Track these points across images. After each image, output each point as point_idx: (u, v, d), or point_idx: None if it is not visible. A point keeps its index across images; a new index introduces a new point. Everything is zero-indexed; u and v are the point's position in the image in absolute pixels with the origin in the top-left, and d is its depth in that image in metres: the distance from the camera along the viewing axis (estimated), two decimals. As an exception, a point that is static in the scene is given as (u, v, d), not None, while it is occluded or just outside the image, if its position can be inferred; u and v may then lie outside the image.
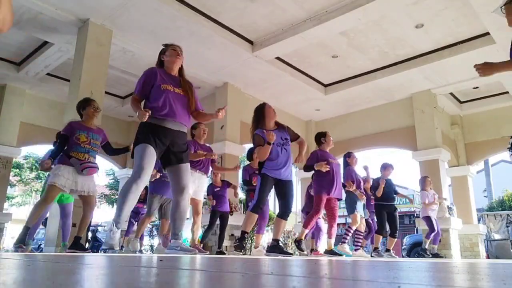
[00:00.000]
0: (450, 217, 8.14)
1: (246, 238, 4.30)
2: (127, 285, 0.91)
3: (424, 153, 8.75)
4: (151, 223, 11.32)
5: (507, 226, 10.48)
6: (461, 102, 10.17)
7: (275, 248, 4.20)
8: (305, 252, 5.49)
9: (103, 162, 19.94)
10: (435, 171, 8.50)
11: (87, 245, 7.61)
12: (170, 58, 3.35)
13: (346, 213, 6.41)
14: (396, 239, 6.88)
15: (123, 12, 6.14)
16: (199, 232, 5.56)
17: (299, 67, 8.38)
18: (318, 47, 7.47)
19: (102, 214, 22.06)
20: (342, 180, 5.62)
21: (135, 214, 8.79)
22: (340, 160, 6.30)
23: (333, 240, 5.51)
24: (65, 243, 4.95)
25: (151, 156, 3.03)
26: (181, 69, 3.45)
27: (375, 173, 7.04)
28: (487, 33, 6.72)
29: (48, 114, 9.25)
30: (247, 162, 6.70)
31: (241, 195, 9.18)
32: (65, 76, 8.55)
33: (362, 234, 6.38)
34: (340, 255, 5.52)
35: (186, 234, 12.89)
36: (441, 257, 7.35)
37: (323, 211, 5.43)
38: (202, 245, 6.49)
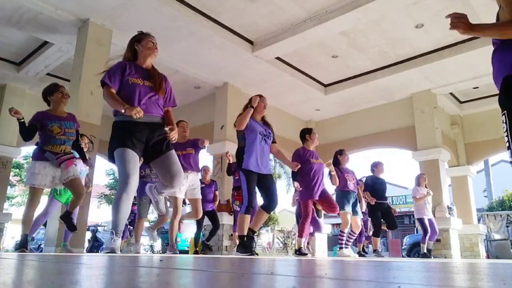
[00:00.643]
0: (450, 217, 8.14)
1: (247, 240, 4.09)
2: (127, 285, 0.91)
3: (424, 153, 8.75)
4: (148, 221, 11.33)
5: (507, 226, 10.49)
6: (461, 102, 10.17)
7: (249, 239, 4.04)
8: (309, 255, 5.46)
9: (103, 162, 19.88)
10: (435, 171, 8.50)
11: (86, 245, 7.63)
12: (147, 51, 3.19)
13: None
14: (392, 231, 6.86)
15: (123, 12, 6.14)
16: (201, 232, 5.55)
17: (299, 67, 8.38)
18: (318, 47, 7.47)
19: (102, 214, 22.07)
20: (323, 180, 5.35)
21: (132, 215, 8.79)
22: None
23: (303, 240, 5.30)
24: (65, 243, 4.93)
25: (133, 159, 2.91)
26: (152, 66, 3.31)
27: (366, 172, 7.02)
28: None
29: (48, 114, 9.24)
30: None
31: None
32: (65, 76, 8.54)
33: (355, 234, 6.31)
34: (305, 254, 5.30)
35: (187, 234, 12.89)
36: (431, 253, 7.35)
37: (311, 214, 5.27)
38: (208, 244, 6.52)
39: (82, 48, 6.26)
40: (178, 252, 3.38)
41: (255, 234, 4.26)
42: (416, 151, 8.90)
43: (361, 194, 6.64)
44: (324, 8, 6.27)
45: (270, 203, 4.10)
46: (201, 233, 7.10)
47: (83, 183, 4.58)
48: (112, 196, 20.38)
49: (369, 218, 6.86)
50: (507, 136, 2.19)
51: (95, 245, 10.92)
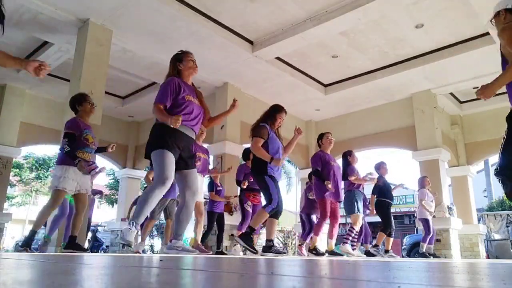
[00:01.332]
0: (450, 217, 8.14)
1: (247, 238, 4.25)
2: (127, 285, 0.91)
3: (424, 153, 8.75)
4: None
5: (507, 226, 10.49)
6: (461, 102, 10.17)
7: (270, 248, 4.20)
8: (324, 253, 5.57)
9: (103, 162, 19.96)
10: (435, 171, 8.50)
11: (86, 245, 7.63)
12: (188, 71, 3.37)
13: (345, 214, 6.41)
14: (392, 238, 6.87)
15: (123, 12, 6.14)
16: (201, 233, 5.57)
17: (299, 67, 8.38)
18: (318, 47, 7.47)
19: (102, 214, 22.08)
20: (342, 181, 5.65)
21: None
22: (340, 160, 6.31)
23: (334, 241, 5.54)
24: (65, 243, 4.94)
25: (173, 163, 3.10)
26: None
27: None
28: (487, 33, 6.72)
29: (48, 114, 9.26)
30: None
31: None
32: (65, 76, 8.54)
33: (355, 231, 6.35)
34: (341, 255, 5.53)
35: (187, 234, 12.89)
36: (438, 257, 7.37)
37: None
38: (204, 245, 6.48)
39: (82, 48, 6.26)
40: (209, 252, 3.55)
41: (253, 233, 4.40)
42: (416, 151, 8.90)
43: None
44: (324, 8, 6.27)
45: (279, 211, 4.26)
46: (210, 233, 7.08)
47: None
48: (112, 196, 20.39)
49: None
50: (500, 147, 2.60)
51: (95, 245, 10.93)
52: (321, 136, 5.64)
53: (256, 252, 4.18)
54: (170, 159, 3.07)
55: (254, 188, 6.08)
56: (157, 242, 14.12)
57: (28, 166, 23.21)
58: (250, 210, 6.28)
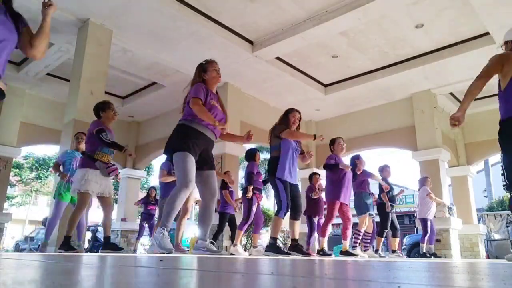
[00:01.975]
0: (450, 217, 8.14)
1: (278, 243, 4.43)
2: (127, 285, 0.91)
3: (424, 153, 8.75)
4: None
5: (507, 226, 10.48)
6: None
7: (295, 248, 4.35)
8: (331, 254, 5.61)
9: (103, 162, 19.94)
10: (435, 171, 8.50)
11: (86, 245, 7.63)
12: (213, 80, 3.50)
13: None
14: (398, 239, 6.91)
15: (123, 12, 6.14)
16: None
17: (299, 67, 8.38)
18: (318, 47, 7.47)
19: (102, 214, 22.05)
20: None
21: (148, 216, 8.89)
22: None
23: (348, 242, 5.60)
24: (79, 243, 4.98)
25: (194, 166, 3.18)
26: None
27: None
28: (487, 33, 6.72)
29: (48, 114, 9.26)
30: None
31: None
32: (65, 76, 8.54)
33: (369, 234, 6.44)
34: (355, 255, 5.57)
35: (187, 234, 12.88)
36: (439, 257, 7.37)
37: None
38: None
39: (82, 48, 6.26)
40: (186, 252, 3.50)
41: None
42: (416, 151, 8.90)
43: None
44: (324, 8, 6.27)
45: (297, 212, 4.39)
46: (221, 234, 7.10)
47: None
48: (113, 196, 20.39)
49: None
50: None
51: (95, 245, 10.92)
52: (332, 142, 5.68)
53: (290, 254, 4.32)
54: (192, 162, 3.16)
55: (260, 189, 6.26)
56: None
57: (28, 166, 23.22)
58: (255, 210, 6.30)
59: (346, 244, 5.61)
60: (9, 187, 12.29)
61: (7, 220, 8.61)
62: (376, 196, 6.85)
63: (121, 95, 9.95)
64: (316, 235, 7.04)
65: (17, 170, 22.26)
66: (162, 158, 5.39)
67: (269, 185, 4.84)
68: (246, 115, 8.86)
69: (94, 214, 9.15)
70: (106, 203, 4.36)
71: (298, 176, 11.07)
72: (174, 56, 7.46)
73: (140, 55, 7.61)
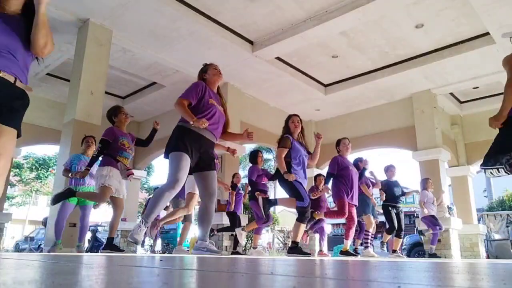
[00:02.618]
0: (450, 217, 8.14)
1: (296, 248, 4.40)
2: (127, 285, 0.91)
3: (424, 153, 8.75)
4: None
5: (507, 226, 10.48)
6: (461, 102, 10.17)
7: (295, 249, 4.37)
8: (359, 256, 5.63)
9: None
10: (435, 171, 8.50)
11: (86, 245, 7.64)
12: (213, 78, 3.54)
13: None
14: (401, 239, 6.92)
15: (123, 12, 6.14)
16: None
17: (299, 67, 8.37)
18: (318, 47, 7.47)
19: (102, 214, 22.06)
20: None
21: None
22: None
23: (349, 241, 5.60)
24: (79, 244, 4.99)
25: (187, 166, 3.15)
26: (218, 88, 3.64)
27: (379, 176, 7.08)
28: (487, 33, 6.72)
29: (48, 114, 9.26)
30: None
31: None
32: (65, 76, 8.54)
33: (370, 233, 6.42)
34: (355, 255, 5.57)
35: (188, 234, 12.86)
36: (438, 257, 7.37)
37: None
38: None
39: (82, 48, 6.25)
40: (221, 253, 3.61)
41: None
42: (416, 151, 8.90)
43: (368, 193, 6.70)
44: (324, 8, 6.27)
45: (304, 214, 4.39)
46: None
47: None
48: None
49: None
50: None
51: (95, 245, 10.92)
52: (338, 142, 5.70)
53: (310, 255, 4.40)
54: (185, 162, 3.12)
55: (265, 190, 6.27)
56: (157, 242, 14.10)
57: (28, 166, 23.20)
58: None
59: (347, 244, 5.61)
60: (9, 187, 12.29)
61: (7, 220, 8.60)
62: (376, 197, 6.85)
63: (121, 95, 9.95)
64: (315, 235, 7.05)
65: (17, 170, 22.24)
66: (162, 158, 5.40)
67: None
68: (246, 115, 8.86)
69: (94, 215, 9.16)
70: (118, 204, 4.46)
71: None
72: (174, 56, 7.46)
73: (140, 55, 7.60)
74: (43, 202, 26.78)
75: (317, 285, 1.12)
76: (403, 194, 7.03)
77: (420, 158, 8.83)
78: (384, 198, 6.70)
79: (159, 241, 10.11)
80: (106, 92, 7.92)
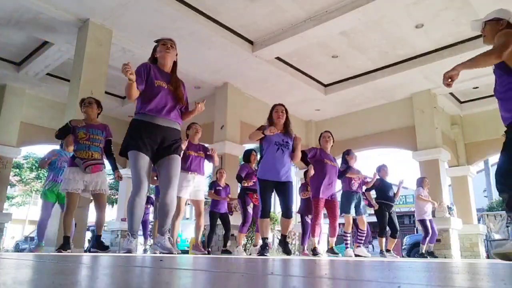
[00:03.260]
0: (450, 217, 8.14)
1: (267, 244, 4.31)
2: (127, 285, 0.91)
3: (424, 153, 8.75)
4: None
5: (507, 226, 10.48)
6: (461, 102, 10.17)
7: (281, 242, 4.37)
8: (321, 254, 5.56)
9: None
10: (435, 171, 8.50)
11: (86, 245, 7.63)
12: (161, 54, 3.32)
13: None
14: (396, 240, 6.88)
15: (123, 12, 6.14)
16: (201, 233, 5.56)
17: (299, 67, 8.38)
18: (318, 47, 7.47)
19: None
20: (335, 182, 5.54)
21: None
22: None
23: (334, 239, 5.51)
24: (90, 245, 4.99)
25: (146, 163, 3.04)
26: (174, 65, 3.43)
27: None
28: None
29: (48, 114, 9.26)
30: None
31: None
32: (65, 76, 8.55)
33: (363, 231, 6.36)
34: (337, 253, 5.50)
35: (187, 234, 12.84)
36: (436, 256, 7.37)
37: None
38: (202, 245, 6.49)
39: (82, 48, 6.26)
40: (175, 252, 3.40)
41: (287, 238, 4.56)
42: (416, 151, 8.90)
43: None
44: (324, 8, 6.27)
45: (285, 211, 4.31)
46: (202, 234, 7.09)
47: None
48: (112, 196, 20.40)
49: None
50: None
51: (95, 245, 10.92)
52: (319, 137, 5.62)
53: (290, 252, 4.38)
54: (143, 161, 3.02)
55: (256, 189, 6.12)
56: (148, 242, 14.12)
57: (28, 166, 23.21)
58: (251, 211, 6.32)
59: (332, 241, 5.50)
60: (9, 187, 12.29)
61: (7, 220, 8.61)
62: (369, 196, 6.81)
63: (121, 95, 9.94)
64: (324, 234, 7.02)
65: (17, 170, 22.25)
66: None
67: None
68: (246, 115, 8.86)
69: (94, 214, 9.15)
70: (97, 200, 4.26)
71: (298, 176, 11.04)
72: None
73: (140, 55, 7.58)
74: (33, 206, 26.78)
75: (317, 285, 1.12)
76: (394, 195, 6.92)
77: (420, 158, 8.84)
78: (375, 203, 6.61)
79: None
80: (106, 92, 7.92)
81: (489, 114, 9.64)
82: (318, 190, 5.21)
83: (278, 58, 7.91)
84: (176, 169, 3.17)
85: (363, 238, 6.38)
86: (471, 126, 10.17)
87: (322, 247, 7.08)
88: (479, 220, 10.53)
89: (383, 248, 6.70)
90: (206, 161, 5.22)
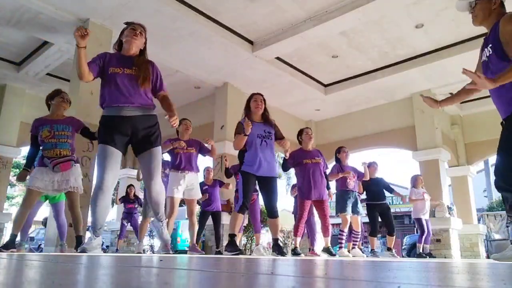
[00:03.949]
0: (450, 217, 8.14)
1: (235, 240, 4.15)
2: (127, 285, 0.91)
3: (424, 153, 8.75)
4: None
5: (507, 226, 10.49)
6: (461, 102, 10.17)
7: (273, 246, 4.17)
8: (302, 255, 5.47)
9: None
10: (435, 171, 8.50)
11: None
12: (126, 39, 3.11)
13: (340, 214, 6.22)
14: (394, 237, 6.83)
15: (123, 12, 6.13)
16: (196, 233, 5.53)
17: (299, 67, 8.38)
18: (318, 47, 7.47)
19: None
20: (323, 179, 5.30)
21: (128, 215, 8.81)
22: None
23: (329, 238, 5.34)
24: (62, 242, 4.90)
25: (112, 157, 2.92)
26: (143, 51, 3.18)
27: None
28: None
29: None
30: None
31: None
32: (65, 76, 8.55)
33: (358, 232, 6.32)
34: (333, 254, 5.41)
35: (187, 234, 12.84)
36: (434, 256, 7.37)
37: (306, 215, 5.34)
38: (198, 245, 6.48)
39: (82, 48, 6.24)
40: (171, 253, 3.35)
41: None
42: (416, 151, 8.90)
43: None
44: (324, 8, 6.27)
45: (270, 210, 4.12)
46: (202, 233, 7.10)
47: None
48: (112, 196, 20.40)
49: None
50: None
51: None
52: (300, 133, 5.39)
53: (241, 252, 4.17)
54: (110, 155, 2.91)
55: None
56: (157, 242, 14.12)
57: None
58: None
59: (327, 241, 5.31)
60: (9, 187, 12.29)
61: (7, 220, 8.61)
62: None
63: (121, 95, 9.95)
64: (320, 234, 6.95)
65: (17, 170, 22.23)
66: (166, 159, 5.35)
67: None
68: (246, 115, 8.85)
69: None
70: (70, 198, 4.06)
71: (288, 173, 11.04)
72: (174, 56, 7.45)
73: (140, 55, 7.60)
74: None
75: (317, 285, 1.12)
76: (391, 191, 6.76)
77: (420, 158, 8.84)
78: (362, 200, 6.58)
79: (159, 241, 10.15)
80: (106, 92, 7.91)
81: (489, 114, 9.62)
82: (302, 193, 5.09)
83: (278, 58, 7.91)
84: (156, 161, 3.08)
85: (358, 239, 6.35)
86: (471, 126, 10.17)
87: (319, 247, 7.04)
88: (479, 220, 10.53)
89: (374, 247, 6.67)
90: (205, 158, 5.10)
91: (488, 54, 2.61)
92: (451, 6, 6.24)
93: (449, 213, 8.21)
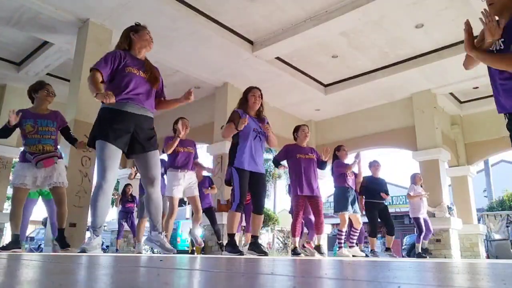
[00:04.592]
0: (450, 217, 8.14)
1: (235, 240, 4.09)
2: (127, 285, 0.91)
3: (424, 153, 8.75)
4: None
5: (507, 226, 10.50)
6: (461, 102, 10.17)
7: (253, 245, 4.02)
8: (302, 255, 5.42)
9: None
10: (435, 171, 8.50)
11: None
12: (142, 42, 3.12)
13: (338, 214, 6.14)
14: (393, 236, 6.82)
15: (123, 12, 6.14)
16: (200, 230, 5.51)
17: (299, 67, 8.38)
18: (318, 47, 7.47)
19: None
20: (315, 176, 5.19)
21: (125, 214, 8.82)
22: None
23: (321, 236, 5.21)
24: (55, 238, 4.87)
25: (113, 154, 2.87)
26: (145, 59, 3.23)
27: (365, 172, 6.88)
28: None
29: (48, 114, 9.25)
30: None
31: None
32: (65, 76, 8.54)
33: (357, 230, 6.26)
34: (322, 254, 5.26)
35: (187, 234, 12.83)
36: (430, 253, 7.37)
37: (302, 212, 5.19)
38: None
39: (82, 48, 6.25)
40: (175, 252, 3.31)
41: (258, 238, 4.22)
42: (416, 151, 8.90)
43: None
44: (324, 8, 6.27)
45: (257, 207, 4.03)
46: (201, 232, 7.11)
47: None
48: (112, 196, 20.39)
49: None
50: None
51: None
52: (296, 129, 5.33)
53: (241, 253, 4.03)
54: (111, 152, 2.85)
55: None
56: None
57: (28, 166, 23.16)
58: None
59: (319, 239, 5.20)
60: (9, 187, 12.28)
61: (7, 220, 8.57)
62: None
63: (121, 95, 9.95)
64: (305, 231, 6.92)
65: (17, 170, 22.21)
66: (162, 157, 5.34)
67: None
68: (246, 115, 8.85)
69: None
70: (56, 194, 3.93)
71: (285, 174, 11.04)
72: (174, 56, 7.45)
73: (140, 55, 7.61)
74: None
75: (317, 285, 1.12)
76: (387, 193, 6.72)
77: (420, 158, 8.84)
78: (363, 202, 6.54)
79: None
80: (106, 92, 7.91)
81: (489, 114, 9.64)
82: (296, 188, 4.98)
83: (278, 58, 7.91)
84: (156, 165, 3.07)
85: (356, 238, 6.31)
86: (471, 126, 10.17)
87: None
88: (479, 220, 10.53)
89: (374, 248, 6.66)
90: (201, 155, 5.11)
91: (498, 48, 2.44)
92: (451, 6, 6.25)
93: (449, 213, 8.21)
